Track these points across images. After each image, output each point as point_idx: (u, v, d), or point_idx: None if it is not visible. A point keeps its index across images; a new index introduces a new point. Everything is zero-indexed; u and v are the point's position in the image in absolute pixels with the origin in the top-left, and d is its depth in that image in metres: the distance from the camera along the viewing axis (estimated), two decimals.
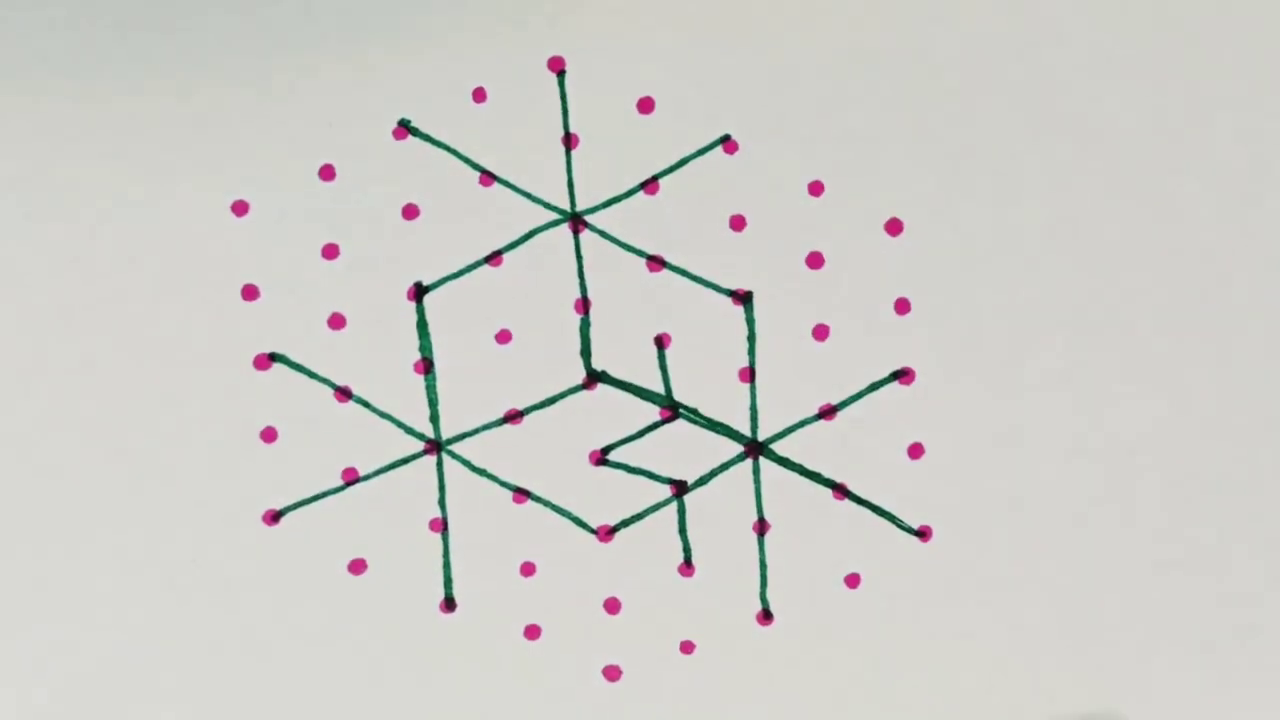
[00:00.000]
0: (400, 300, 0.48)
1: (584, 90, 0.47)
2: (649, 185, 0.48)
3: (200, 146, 0.47)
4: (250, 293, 0.47)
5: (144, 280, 0.47)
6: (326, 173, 0.47)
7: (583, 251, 0.48)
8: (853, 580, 0.49)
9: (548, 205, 0.48)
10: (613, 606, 0.49)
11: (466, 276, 0.48)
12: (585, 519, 0.48)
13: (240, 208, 0.47)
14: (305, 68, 0.47)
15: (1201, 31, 0.47)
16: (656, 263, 0.48)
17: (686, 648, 0.49)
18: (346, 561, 0.48)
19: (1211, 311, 0.48)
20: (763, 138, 0.48)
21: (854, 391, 0.48)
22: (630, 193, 0.48)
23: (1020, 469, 0.49)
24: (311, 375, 0.48)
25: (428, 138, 0.47)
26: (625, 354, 0.48)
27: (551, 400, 0.48)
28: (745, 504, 0.49)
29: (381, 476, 0.48)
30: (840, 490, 0.49)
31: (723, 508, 0.48)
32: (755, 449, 0.48)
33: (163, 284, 0.47)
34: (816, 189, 0.48)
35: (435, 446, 0.48)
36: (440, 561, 0.48)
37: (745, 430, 0.48)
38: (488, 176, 0.48)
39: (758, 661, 0.49)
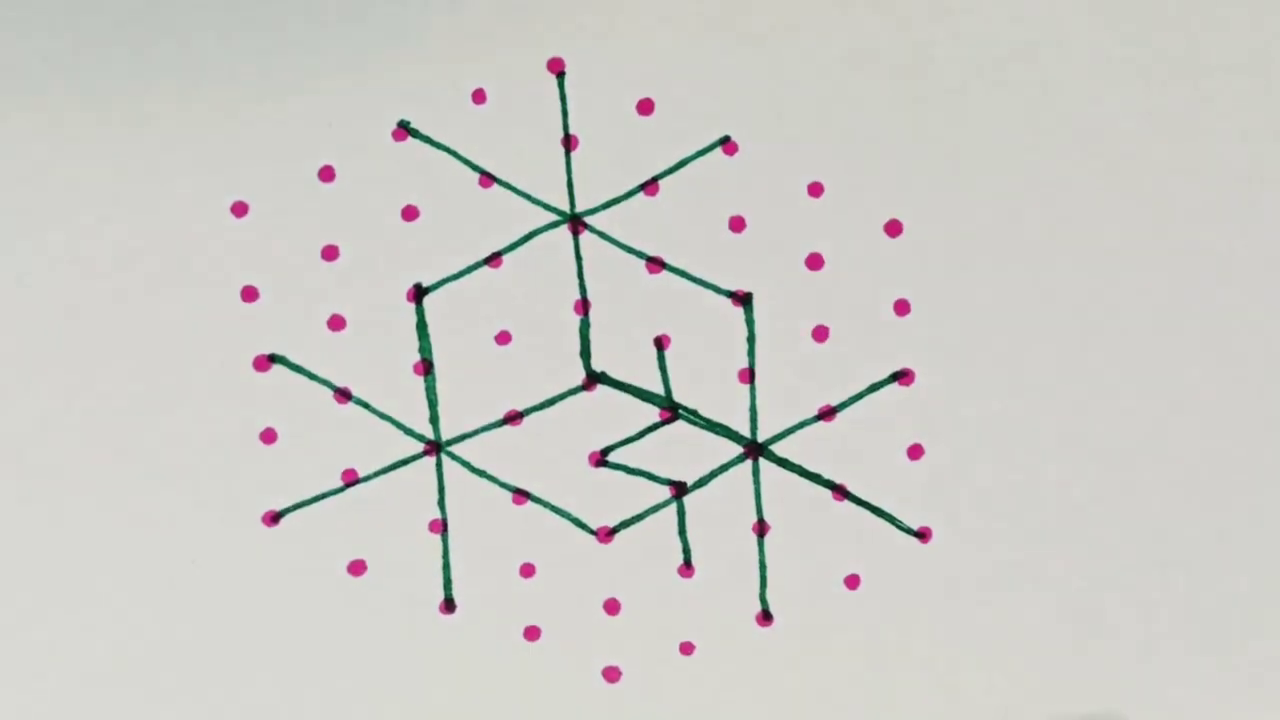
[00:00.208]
0: (400, 301, 0.48)
1: (584, 91, 0.47)
2: (649, 186, 0.48)
3: (200, 147, 0.47)
4: (250, 294, 0.47)
5: (144, 281, 0.47)
6: (326, 174, 0.47)
7: (582, 253, 0.48)
8: (852, 581, 0.49)
9: (547, 206, 0.48)
10: (612, 607, 0.49)
11: (466, 278, 0.48)
12: (585, 520, 0.48)
13: (240, 209, 0.47)
14: (305, 69, 0.47)
15: (1201, 31, 0.47)
16: (656, 264, 0.48)
17: (686, 649, 0.49)
18: (346, 563, 0.48)
19: (1211, 311, 0.48)
20: (763, 138, 0.48)
21: (854, 392, 0.48)
22: (630, 194, 0.48)
23: (1020, 469, 0.49)
24: (311, 376, 0.48)
25: (427, 139, 0.47)
26: (625, 355, 0.48)
27: (551, 401, 0.48)
28: (745, 505, 0.49)
29: (381, 478, 0.48)
30: (840, 491, 0.49)
31: (722, 509, 0.48)
32: (755, 450, 0.48)
33: (162, 285, 0.47)
34: (816, 189, 0.48)
35: (435, 448, 0.48)
36: (440, 563, 0.48)
37: (745, 431, 0.48)
38: (487, 178, 0.47)
39: (757, 662, 0.49)
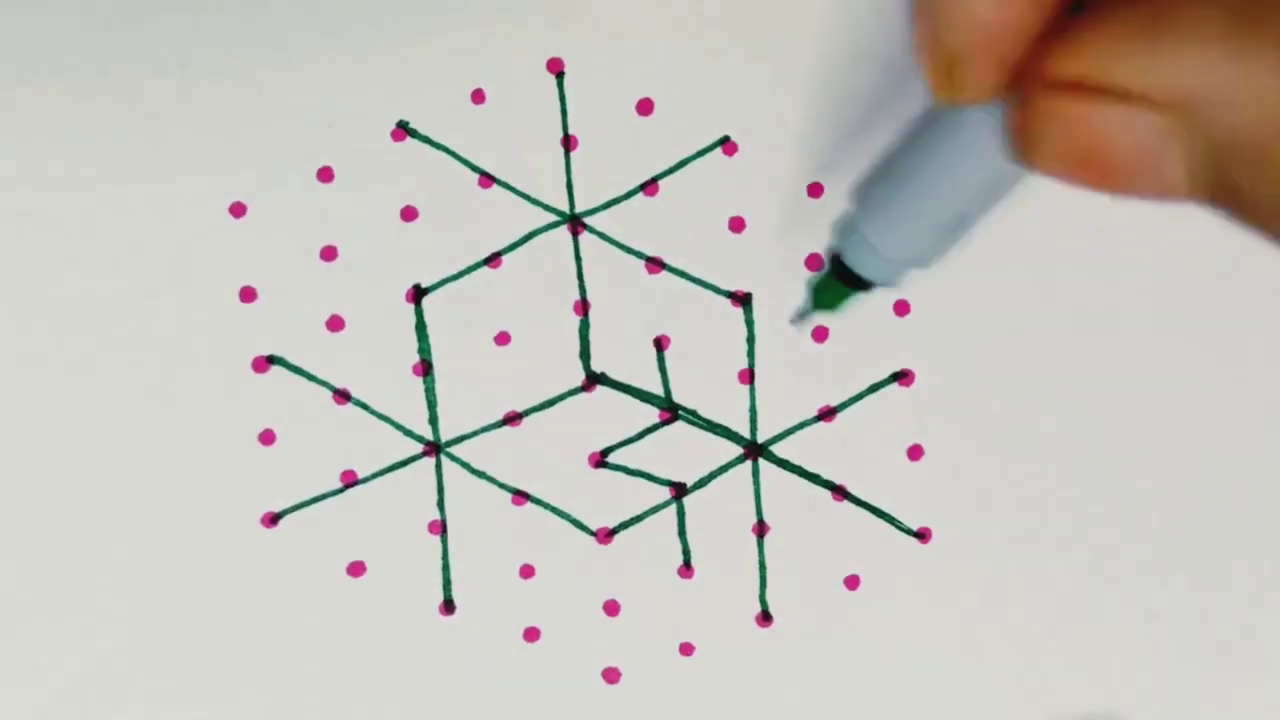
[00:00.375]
0: (399, 302, 0.48)
1: (583, 92, 0.47)
2: (648, 187, 0.48)
3: (197, 147, 0.47)
4: (248, 294, 0.47)
5: (140, 282, 0.47)
6: (325, 174, 0.47)
7: (582, 253, 0.48)
8: (852, 582, 0.49)
9: (547, 207, 0.48)
10: (612, 609, 0.49)
11: (465, 278, 0.48)
12: (584, 521, 0.48)
13: (238, 209, 0.47)
14: (303, 68, 0.47)
15: None
16: (656, 264, 0.48)
17: (686, 650, 0.49)
18: (345, 564, 0.48)
19: (1212, 311, 0.48)
20: (763, 138, 0.48)
21: (854, 393, 0.48)
22: (629, 194, 0.48)
23: (1020, 470, 0.49)
24: (310, 377, 0.47)
25: (426, 139, 0.47)
26: (624, 356, 0.48)
27: (550, 402, 0.48)
28: (744, 506, 0.49)
29: (380, 479, 0.48)
30: (840, 492, 0.49)
31: (722, 510, 0.48)
32: (754, 451, 0.48)
33: (159, 286, 0.47)
34: (816, 190, 0.48)
35: (434, 449, 0.48)
36: (439, 564, 0.48)
37: (744, 432, 0.48)
38: (486, 178, 0.47)
39: (757, 663, 0.49)
